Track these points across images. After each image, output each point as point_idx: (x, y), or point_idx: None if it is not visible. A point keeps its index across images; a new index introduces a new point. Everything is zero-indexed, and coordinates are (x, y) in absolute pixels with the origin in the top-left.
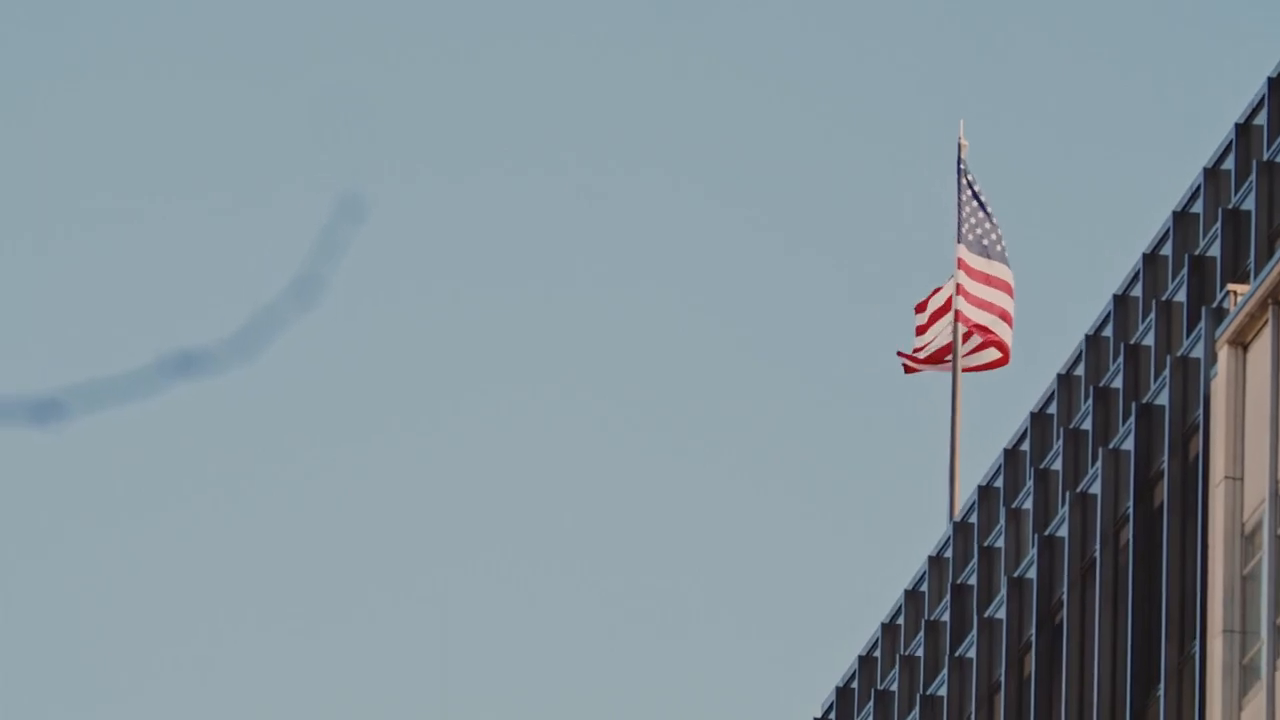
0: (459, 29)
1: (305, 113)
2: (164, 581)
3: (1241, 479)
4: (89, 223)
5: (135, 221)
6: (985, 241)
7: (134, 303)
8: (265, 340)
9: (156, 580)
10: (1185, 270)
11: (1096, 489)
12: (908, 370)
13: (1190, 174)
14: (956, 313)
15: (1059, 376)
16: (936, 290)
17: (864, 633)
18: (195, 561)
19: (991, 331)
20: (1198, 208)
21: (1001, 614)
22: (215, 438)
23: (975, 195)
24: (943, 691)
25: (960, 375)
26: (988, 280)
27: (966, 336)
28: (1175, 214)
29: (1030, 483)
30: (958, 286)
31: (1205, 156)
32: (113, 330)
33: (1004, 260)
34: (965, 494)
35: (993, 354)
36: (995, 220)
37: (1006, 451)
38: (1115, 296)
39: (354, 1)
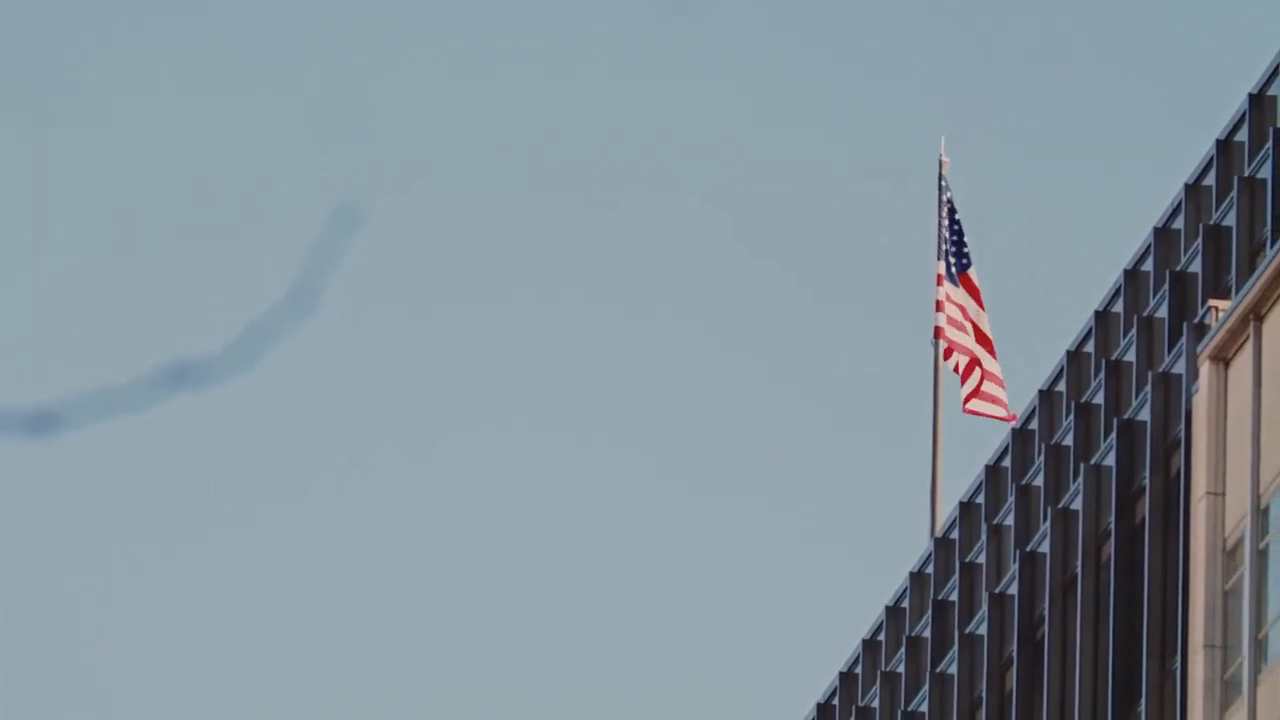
0: (460, 37)
1: (306, 120)
2: (161, 589)
3: (1223, 494)
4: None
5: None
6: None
7: (127, 311)
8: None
9: (152, 588)
10: (1167, 286)
11: (1078, 505)
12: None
13: (1171, 190)
14: (937, 329)
15: (1040, 392)
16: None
17: (845, 649)
18: (192, 569)
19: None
20: (1179, 224)
21: (983, 630)
22: (210, 447)
23: (953, 217)
24: (924, 708)
25: (941, 392)
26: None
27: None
28: (1156, 230)
29: (1012, 499)
30: (937, 303)
31: (1186, 172)
32: (106, 339)
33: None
34: (946, 510)
35: (1000, 410)
36: (966, 247)
37: (988, 467)
38: (1096, 312)
39: (359, 8)
